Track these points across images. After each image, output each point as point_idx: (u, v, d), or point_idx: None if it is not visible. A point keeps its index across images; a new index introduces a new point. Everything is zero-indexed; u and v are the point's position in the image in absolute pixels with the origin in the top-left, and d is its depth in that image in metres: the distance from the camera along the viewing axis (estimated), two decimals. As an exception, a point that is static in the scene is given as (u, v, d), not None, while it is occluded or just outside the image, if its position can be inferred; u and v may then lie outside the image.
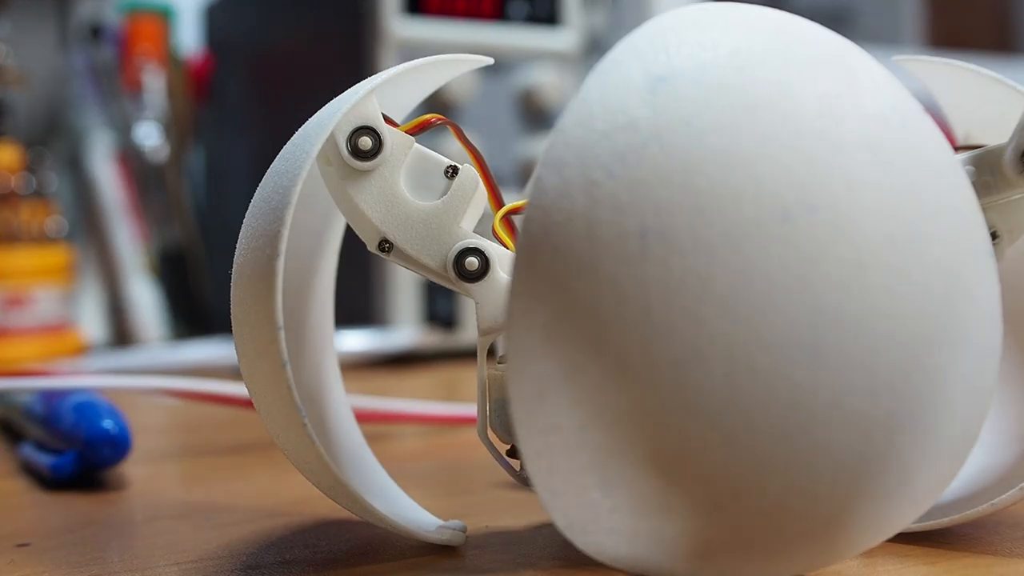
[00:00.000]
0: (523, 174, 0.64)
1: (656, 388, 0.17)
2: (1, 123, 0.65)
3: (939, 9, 1.40)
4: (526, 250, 0.18)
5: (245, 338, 0.22)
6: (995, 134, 0.24)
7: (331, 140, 0.23)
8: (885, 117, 0.19)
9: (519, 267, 0.18)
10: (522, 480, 0.23)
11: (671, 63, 0.19)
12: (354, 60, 0.61)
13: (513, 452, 0.24)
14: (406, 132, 0.24)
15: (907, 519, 0.20)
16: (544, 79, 0.64)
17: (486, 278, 0.23)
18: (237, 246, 0.23)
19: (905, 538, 0.24)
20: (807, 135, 0.18)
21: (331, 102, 0.23)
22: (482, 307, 0.24)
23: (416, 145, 0.24)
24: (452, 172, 0.24)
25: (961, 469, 0.20)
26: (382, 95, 0.24)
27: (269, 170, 0.23)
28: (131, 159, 0.72)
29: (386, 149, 0.23)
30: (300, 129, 0.23)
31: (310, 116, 0.23)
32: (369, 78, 0.23)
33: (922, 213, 0.18)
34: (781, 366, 0.17)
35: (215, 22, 0.79)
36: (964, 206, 0.19)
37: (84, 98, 0.72)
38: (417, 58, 0.25)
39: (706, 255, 0.17)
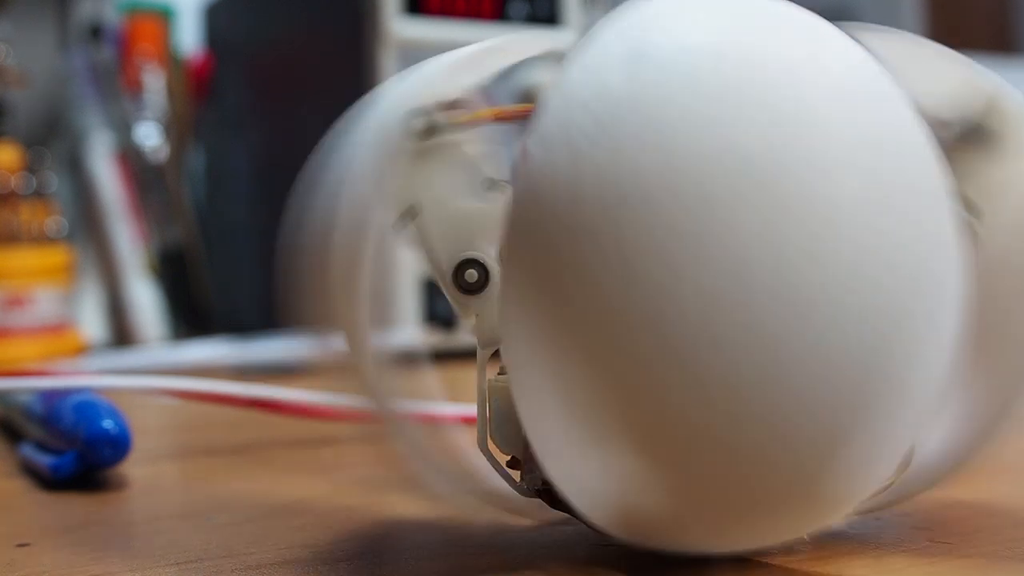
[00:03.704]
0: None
1: (641, 352, 0.18)
2: (1, 123, 0.65)
3: (939, 9, 1.40)
4: (514, 219, 0.19)
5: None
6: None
7: (409, 116, 0.22)
8: (855, 75, 0.19)
9: (507, 235, 0.19)
10: (522, 491, 0.23)
11: (650, 35, 0.19)
12: (354, 60, 0.61)
13: (513, 463, 0.23)
14: (480, 119, 0.24)
15: (887, 468, 0.20)
16: (544, 79, 0.64)
17: (485, 291, 0.23)
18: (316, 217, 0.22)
19: (905, 538, 0.24)
20: (779, 97, 0.18)
21: (412, 76, 0.23)
22: (481, 320, 0.23)
23: (479, 140, 0.24)
24: (499, 186, 0.23)
25: (931, 417, 0.21)
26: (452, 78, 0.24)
27: (342, 146, 0.22)
28: (131, 159, 0.72)
29: (455, 133, 0.23)
30: (378, 101, 0.23)
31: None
32: (448, 53, 0.23)
33: (888, 163, 0.19)
34: (759, 318, 0.18)
35: (215, 22, 0.79)
36: (930, 157, 0.20)
37: (84, 98, 0.72)
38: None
39: (684, 217, 0.18)
